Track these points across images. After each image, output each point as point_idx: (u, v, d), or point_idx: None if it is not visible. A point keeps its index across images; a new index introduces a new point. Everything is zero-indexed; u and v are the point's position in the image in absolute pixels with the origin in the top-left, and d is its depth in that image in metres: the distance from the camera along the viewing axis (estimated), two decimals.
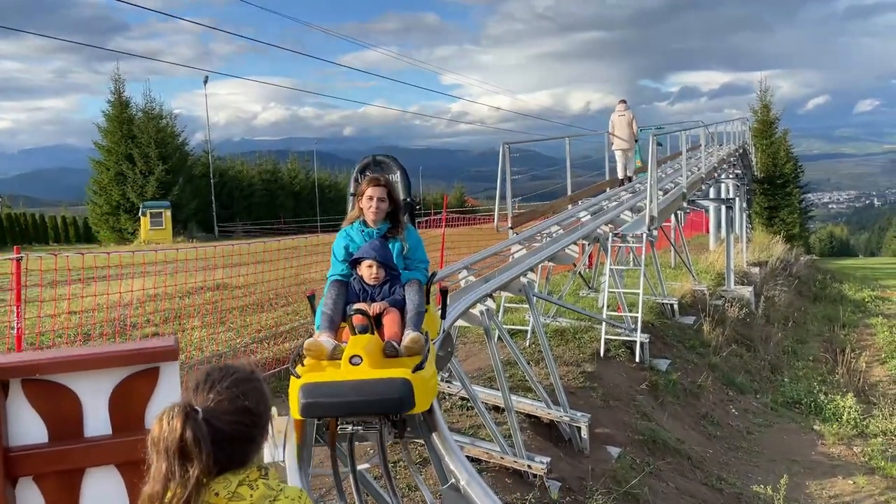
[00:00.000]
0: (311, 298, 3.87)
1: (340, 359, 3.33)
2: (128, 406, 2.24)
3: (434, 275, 4.10)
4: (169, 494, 1.63)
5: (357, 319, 3.43)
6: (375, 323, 3.56)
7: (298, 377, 3.26)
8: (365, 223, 3.92)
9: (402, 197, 4.43)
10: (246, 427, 1.74)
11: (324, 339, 3.46)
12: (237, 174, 46.66)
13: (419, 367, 3.29)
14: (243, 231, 40.32)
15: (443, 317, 4.12)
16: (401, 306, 3.71)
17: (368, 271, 3.76)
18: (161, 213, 33.41)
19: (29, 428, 2.18)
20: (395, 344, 3.43)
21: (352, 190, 4.26)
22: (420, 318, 3.68)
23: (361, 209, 3.91)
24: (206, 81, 41.37)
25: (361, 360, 3.25)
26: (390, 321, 3.60)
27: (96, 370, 2.20)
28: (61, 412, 2.20)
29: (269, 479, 1.76)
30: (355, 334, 3.37)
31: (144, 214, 33.29)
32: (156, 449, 1.65)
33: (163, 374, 2.26)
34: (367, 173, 4.39)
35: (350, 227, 3.97)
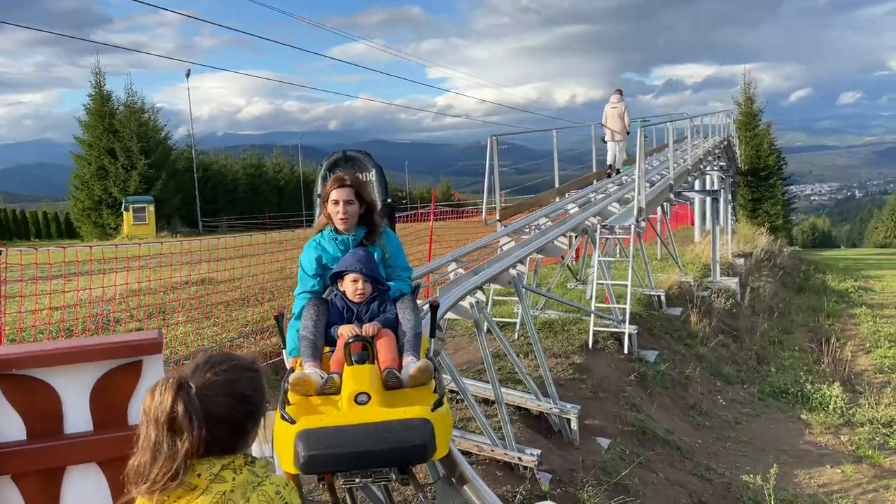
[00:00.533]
0: (280, 319, 3.36)
1: (333, 393, 2.86)
2: (110, 402, 2.17)
3: (418, 287, 3.66)
4: (156, 469, 1.61)
5: (356, 348, 2.93)
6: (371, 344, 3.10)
7: (293, 422, 2.64)
8: (337, 230, 3.44)
9: (378, 198, 4.00)
10: (238, 413, 1.72)
11: (310, 370, 2.97)
12: (221, 168, 46.24)
13: (439, 404, 2.77)
14: (228, 226, 40.01)
15: (432, 335, 3.45)
16: (393, 327, 3.23)
17: (353, 287, 3.26)
18: (144, 208, 33.04)
19: (6, 425, 2.10)
20: (396, 373, 2.95)
21: (318, 191, 3.79)
22: (419, 341, 3.21)
23: (329, 215, 3.44)
24: (188, 75, 40.90)
25: (369, 398, 2.74)
26: (385, 346, 3.07)
27: (76, 364, 2.12)
28: (40, 408, 2.12)
29: (256, 466, 1.74)
30: (351, 364, 2.88)
31: (127, 209, 32.91)
32: (146, 418, 1.64)
33: (146, 368, 2.19)
34: (338, 171, 3.91)
35: (320, 236, 3.48)
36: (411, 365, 2.99)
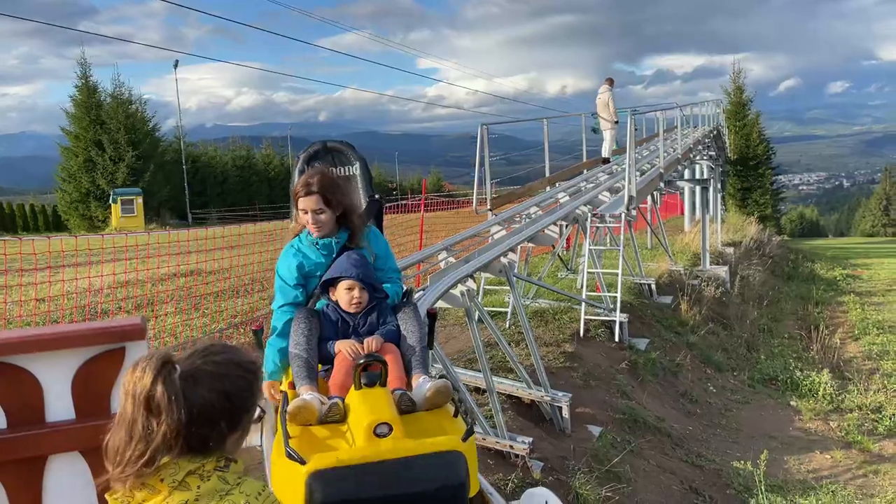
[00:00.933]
0: (259, 333, 3.06)
1: (337, 421, 2.48)
2: (92, 389, 2.12)
3: (410, 291, 3.33)
4: (130, 449, 1.51)
5: (378, 368, 2.52)
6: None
7: (303, 462, 2.18)
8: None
9: (363, 195, 3.60)
10: (216, 410, 1.59)
11: (308, 395, 2.56)
12: (210, 160, 45.92)
13: (470, 433, 2.39)
14: (217, 218, 39.77)
15: (429, 346, 3.13)
16: (395, 340, 2.90)
17: (348, 296, 2.88)
18: (132, 200, 32.78)
19: None
20: (410, 395, 2.60)
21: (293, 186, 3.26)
22: (426, 356, 2.89)
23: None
24: (176, 65, 40.55)
25: (391, 428, 2.31)
26: (391, 363, 2.70)
27: (57, 351, 2.07)
28: (20, 397, 2.07)
29: (229, 472, 1.60)
30: (360, 387, 2.46)
31: (115, 202, 32.63)
32: (125, 393, 1.55)
33: (129, 355, 2.14)
34: (317, 164, 3.55)
35: (298, 241, 3.11)
36: (425, 385, 2.63)
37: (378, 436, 2.28)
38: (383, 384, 2.49)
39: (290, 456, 2.20)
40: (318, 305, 3.04)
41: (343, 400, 2.54)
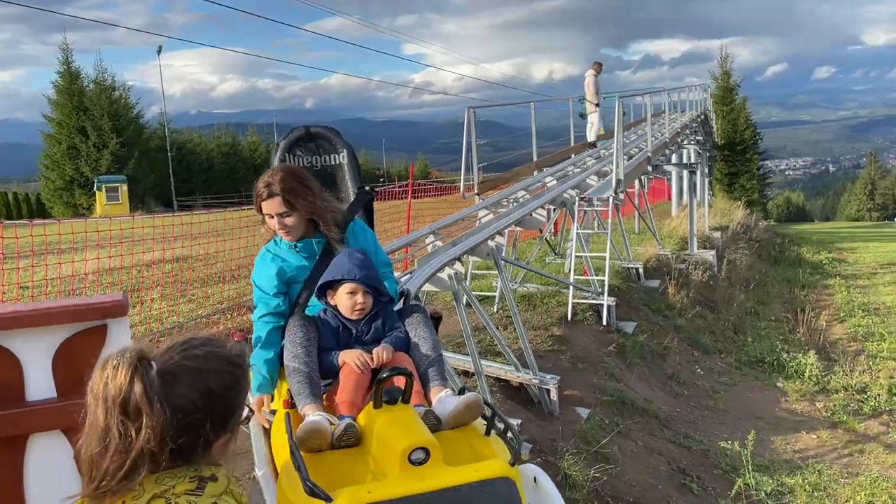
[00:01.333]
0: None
1: (351, 445, 2.17)
2: (74, 367, 2.08)
3: (408, 294, 3.09)
4: (105, 460, 1.33)
5: (393, 382, 2.20)
6: (373, 374, 2.43)
7: (328, 499, 1.84)
8: None
9: (351, 186, 3.29)
10: (199, 411, 1.39)
11: (316, 416, 2.24)
12: (195, 147, 45.61)
13: (518, 455, 2.09)
14: (203, 205, 39.53)
15: None
16: (405, 348, 2.60)
17: (350, 300, 2.55)
18: (117, 187, 32.54)
19: None
20: (435, 412, 2.29)
21: None
22: (443, 366, 2.60)
23: None
24: (160, 51, 40.13)
25: (428, 454, 1.96)
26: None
27: (37, 328, 2.03)
28: (0, 375, 2.03)
29: (203, 496, 1.36)
30: (379, 405, 2.13)
31: (100, 189, 32.38)
32: (94, 398, 1.36)
33: (111, 332, 2.10)
34: (299, 153, 3.28)
35: (274, 244, 2.80)
36: (449, 400, 2.32)
37: (414, 463, 1.94)
38: (406, 400, 2.15)
39: (311, 493, 1.85)
40: (311, 311, 2.73)
41: (354, 419, 2.24)
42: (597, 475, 5.45)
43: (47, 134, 36.42)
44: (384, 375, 2.12)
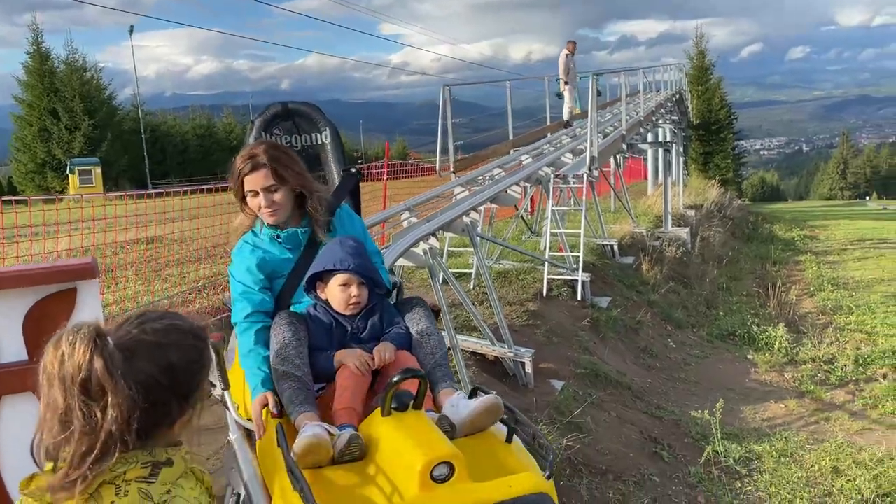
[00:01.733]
0: (219, 346, 2.25)
1: (356, 459, 1.89)
2: (44, 330, 2.08)
3: (401, 287, 2.81)
4: (70, 447, 1.24)
5: (405, 386, 1.90)
6: (373, 376, 2.20)
7: None
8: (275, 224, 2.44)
9: (335, 168, 3.00)
10: (161, 387, 1.31)
11: (316, 429, 1.94)
12: (170, 129, 44.99)
13: (552, 467, 1.85)
14: (178, 187, 39.11)
15: None
16: (407, 346, 2.32)
17: (344, 293, 2.27)
18: (90, 170, 32.02)
19: None
20: (448, 417, 2.02)
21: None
22: (447, 363, 2.34)
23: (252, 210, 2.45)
24: (131, 31, 39.44)
25: (452, 469, 1.72)
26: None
27: (7, 290, 2.05)
28: None
29: (156, 482, 1.29)
30: (388, 413, 1.89)
31: (73, 172, 31.85)
32: (48, 379, 1.26)
33: (81, 295, 2.13)
34: (276, 132, 3.00)
35: (252, 235, 2.48)
36: (463, 403, 2.06)
37: (437, 480, 1.69)
38: (418, 406, 1.90)
39: None
40: (298, 307, 2.44)
41: (356, 429, 2.00)
42: (570, 444, 5.56)
43: (18, 116, 35.74)
44: (396, 379, 1.85)
